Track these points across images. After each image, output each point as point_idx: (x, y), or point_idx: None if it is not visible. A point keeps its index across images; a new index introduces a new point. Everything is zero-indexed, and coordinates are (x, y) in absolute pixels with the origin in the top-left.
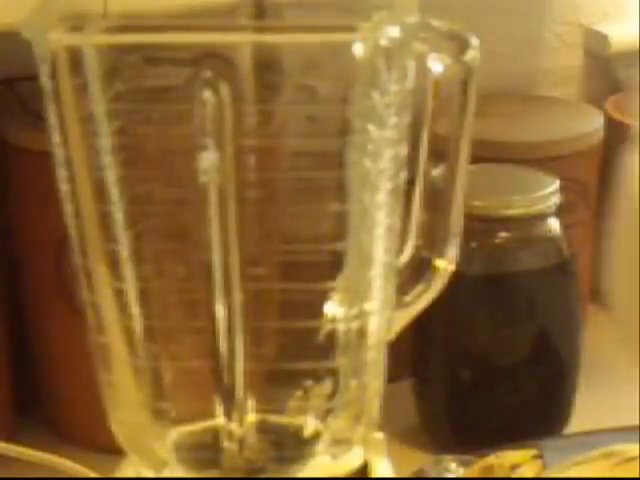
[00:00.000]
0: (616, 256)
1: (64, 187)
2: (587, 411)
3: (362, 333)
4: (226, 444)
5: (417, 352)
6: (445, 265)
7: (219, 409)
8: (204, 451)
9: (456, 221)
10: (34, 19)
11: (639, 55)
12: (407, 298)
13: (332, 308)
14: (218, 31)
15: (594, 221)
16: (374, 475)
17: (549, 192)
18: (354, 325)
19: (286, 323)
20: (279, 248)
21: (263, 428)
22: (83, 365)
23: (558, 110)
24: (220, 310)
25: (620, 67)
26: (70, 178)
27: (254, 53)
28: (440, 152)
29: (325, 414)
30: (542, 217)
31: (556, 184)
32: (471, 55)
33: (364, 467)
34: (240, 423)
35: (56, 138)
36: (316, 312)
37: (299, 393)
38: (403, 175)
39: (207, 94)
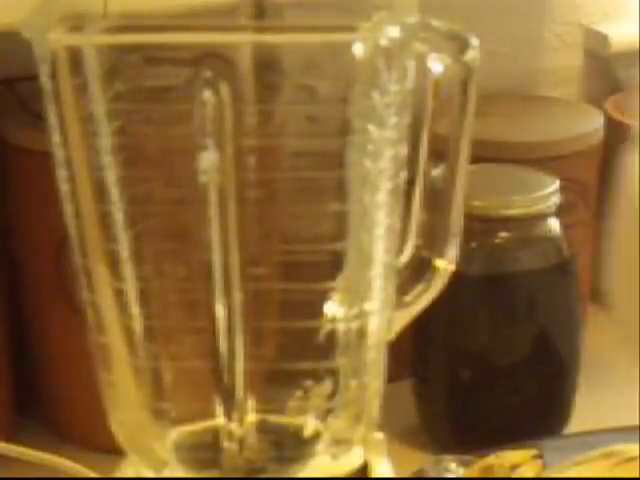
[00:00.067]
0: (616, 256)
1: (64, 187)
2: (587, 411)
3: (362, 333)
4: (226, 444)
5: (417, 352)
6: (445, 265)
7: (219, 409)
8: (204, 451)
9: (456, 221)
10: (34, 19)
11: (639, 55)
12: (407, 298)
13: (332, 308)
14: (218, 31)
15: (594, 221)
16: (374, 475)
17: (549, 192)
18: (354, 325)
19: (286, 323)
20: (279, 248)
21: (263, 428)
22: (83, 365)
23: (558, 110)
24: (220, 310)
25: (620, 67)
26: (70, 178)
27: (254, 53)
28: (440, 152)
29: (325, 414)
30: (542, 217)
31: (556, 184)
32: (471, 55)
33: (364, 467)
34: (240, 423)
35: (56, 138)
36: (316, 312)
37: (299, 393)
38: (403, 175)
39: (207, 94)
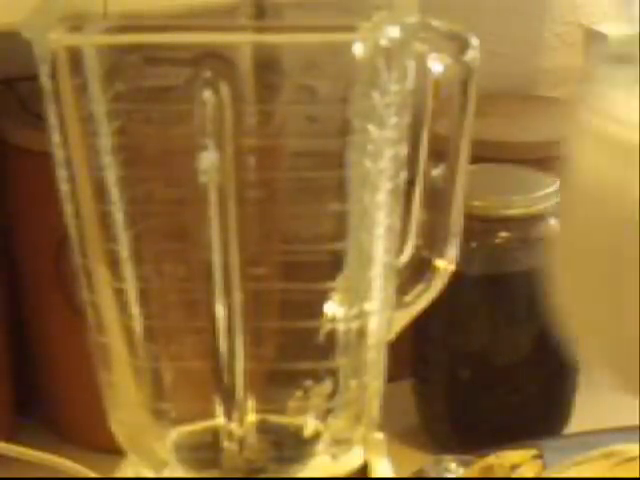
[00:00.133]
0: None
1: (64, 187)
2: (587, 411)
3: (362, 333)
4: (226, 444)
5: (417, 352)
6: (445, 265)
7: (219, 409)
8: (204, 451)
9: (456, 221)
10: (34, 19)
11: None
12: (407, 298)
13: (332, 308)
14: (218, 31)
15: None
16: (374, 475)
17: (549, 192)
18: (354, 325)
19: (286, 323)
20: (279, 248)
21: (263, 428)
22: (83, 365)
23: (558, 110)
24: (220, 310)
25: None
26: (70, 178)
27: (254, 53)
28: (440, 152)
29: (325, 414)
30: (542, 217)
31: (556, 184)
32: (471, 55)
33: (364, 467)
34: (240, 423)
35: (56, 138)
36: (316, 312)
37: (299, 393)
38: (403, 175)
39: (207, 94)
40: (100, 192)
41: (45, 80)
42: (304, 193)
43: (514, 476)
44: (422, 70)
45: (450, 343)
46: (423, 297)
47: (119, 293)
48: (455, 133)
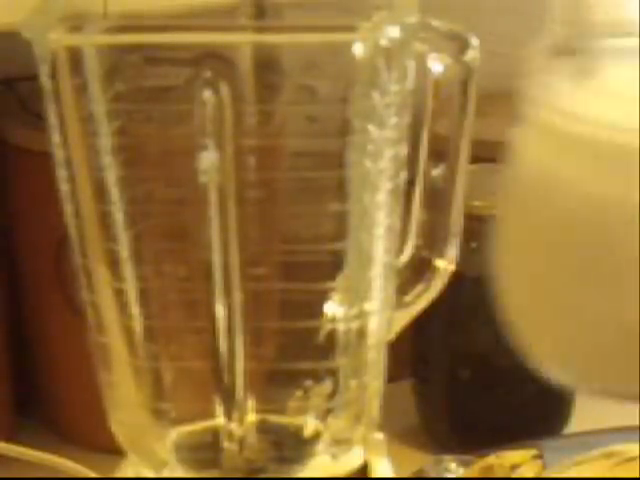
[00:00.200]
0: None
1: (64, 187)
2: (587, 411)
3: (362, 333)
4: (226, 444)
5: (417, 352)
6: (445, 265)
7: (219, 409)
8: (204, 451)
9: (456, 221)
10: (34, 19)
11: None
12: (407, 298)
13: (332, 308)
14: (218, 31)
15: None
16: (374, 475)
17: None
18: (354, 325)
19: (286, 323)
20: (279, 248)
21: (263, 428)
22: (83, 365)
23: None
24: (220, 310)
25: None
26: (70, 178)
27: (254, 53)
28: (440, 152)
29: (325, 414)
30: None
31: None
32: (471, 55)
33: (364, 467)
34: (240, 423)
35: (56, 138)
36: (316, 312)
37: (299, 393)
38: (403, 175)
39: (207, 94)
40: (100, 192)
41: (45, 80)
42: (304, 193)
43: (514, 476)
44: (422, 70)
45: (450, 343)
46: (423, 297)
47: (119, 293)
48: (455, 133)
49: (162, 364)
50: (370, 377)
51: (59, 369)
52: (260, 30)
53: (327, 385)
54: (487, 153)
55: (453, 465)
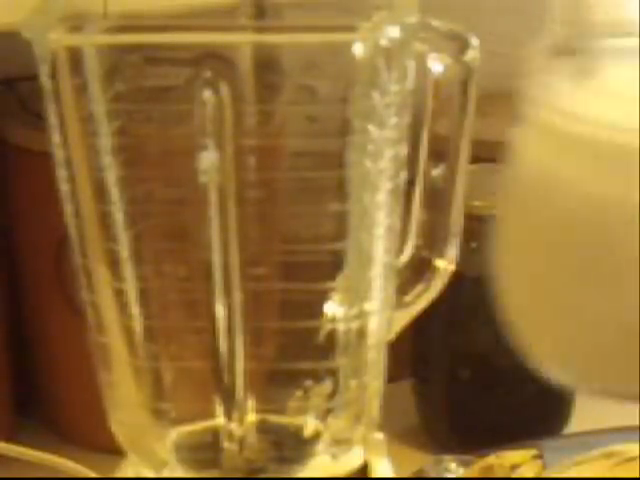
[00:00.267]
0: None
1: (64, 187)
2: (587, 411)
3: (362, 333)
4: (226, 444)
5: (417, 352)
6: (445, 265)
7: (219, 409)
8: (204, 451)
9: (456, 221)
10: (34, 19)
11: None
12: (407, 298)
13: (332, 308)
14: (218, 31)
15: None
16: (374, 475)
17: None
18: (354, 325)
19: (286, 323)
20: (279, 248)
21: (263, 428)
22: (83, 365)
23: None
24: (220, 310)
25: None
26: (70, 178)
27: (254, 53)
28: (440, 152)
29: (325, 414)
30: None
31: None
32: (471, 55)
33: (364, 467)
34: (240, 423)
35: (56, 138)
36: (316, 312)
37: (299, 393)
38: (403, 175)
39: (207, 94)
40: (100, 192)
41: (45, 80)
42: (304, 193)
43: (514, 476)
44: (422, 70)
45: (450, 343)
46: (423, 297)
47: (119, 293)
48: (455, 133)
49: (162, 364)
50: (370, 377)
51: (59, 369)
52: (260, 30)
53: (327, 385)
54: (487, 153)
55: (453, 465)
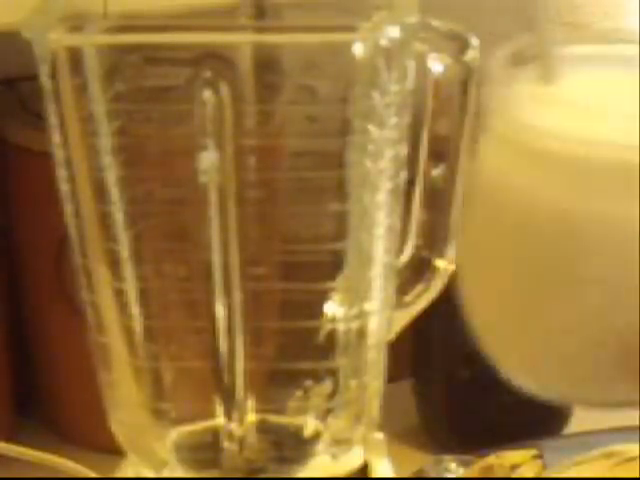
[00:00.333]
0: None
1: (64, 187)
2: (587, 411)
3: (362, 333)
4: (226, 444)
5: (417, 352)
6: (445, 265)
7: (219, 409)
8: (204, 451)
9: (456, 221)
10: (34, 19)
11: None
12: (407, 298)
13: (332, 308)
14: (218, 31)
15: None
16: (374, 475)
17: None
18: (354, 325)
19: (286, 323)
20: (279, 248)
21: (263, 428)
22: (83, 365)
23: None
24: (220, 310)
25: None
26: (70, 178)
27: (254, 53)
28: (440, 152)
29: (325, 414)
30: None
31: None
32: (471, 55)
33: (364, 467)
34: (240, 423)
35: (56, 138)
36: (316, 312)
37: (299, 393)
38: (403, 175)
39: (207, 94)
40: (100, 192)
41: (45, 80)
42: (304, 193)
43: (514, 476)
44: (422, 70)
45: (450, 343)
46: (423, 297)
47: (119, 293)
48: (455, 133)
49: (162, 364)
50: (370, 377)
51: (59, 369)
52: (260, 30)
53: (327, 385)
54: None
55: (453, 465)
